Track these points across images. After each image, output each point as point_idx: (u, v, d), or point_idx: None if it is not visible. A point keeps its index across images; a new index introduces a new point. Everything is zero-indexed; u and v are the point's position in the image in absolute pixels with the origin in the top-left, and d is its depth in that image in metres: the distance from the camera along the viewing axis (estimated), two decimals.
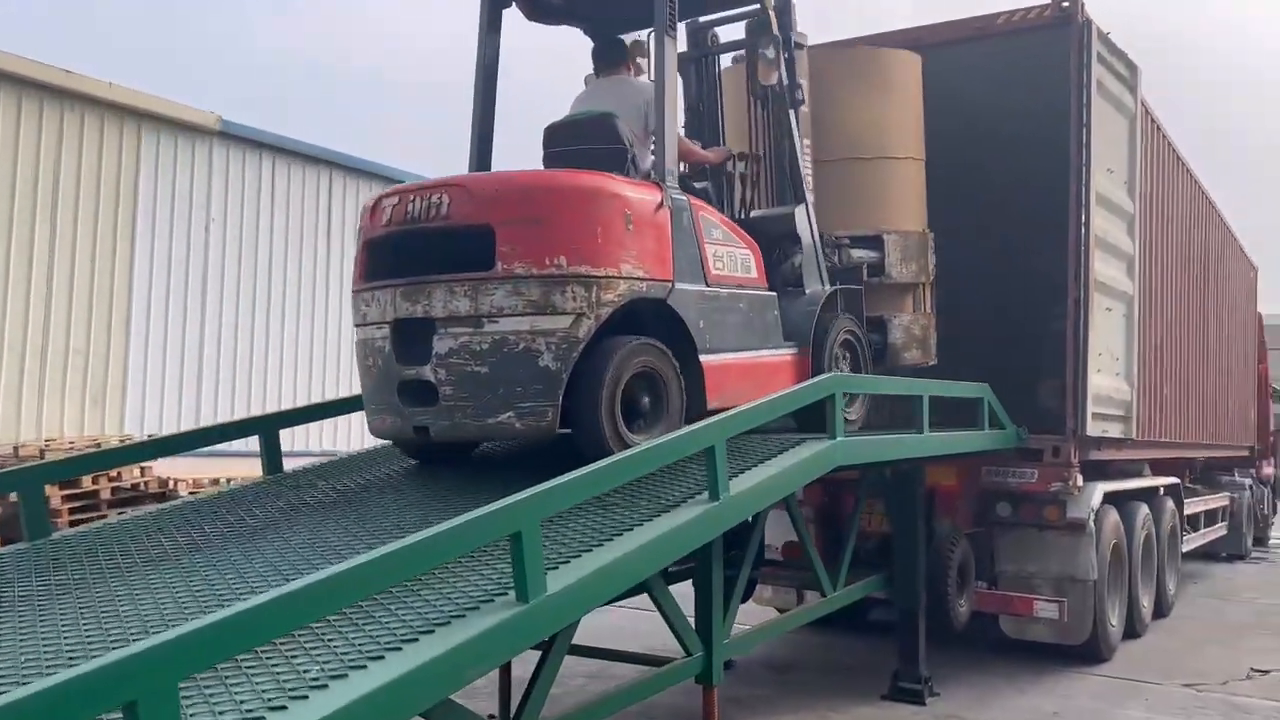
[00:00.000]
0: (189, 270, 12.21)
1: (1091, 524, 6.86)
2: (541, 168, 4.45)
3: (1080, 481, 6.65)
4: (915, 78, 6.25)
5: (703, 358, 4.24)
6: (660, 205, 4.14)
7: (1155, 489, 8.76)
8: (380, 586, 2.42)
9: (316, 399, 13.06)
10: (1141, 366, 7.56)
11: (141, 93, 11.67)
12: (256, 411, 12.05)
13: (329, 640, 2.49)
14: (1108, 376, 7.04)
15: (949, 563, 6.33)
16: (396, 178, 14.69)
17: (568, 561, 2.96)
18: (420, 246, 3.90)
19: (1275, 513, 17.26)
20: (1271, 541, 16.17)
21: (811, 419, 4.46)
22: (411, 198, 3.93)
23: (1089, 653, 7.07)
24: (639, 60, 5.14)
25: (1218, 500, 12.23)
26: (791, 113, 5.22)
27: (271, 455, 4.81)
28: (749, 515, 4.07)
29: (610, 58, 4.99)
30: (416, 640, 2.47)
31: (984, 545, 6.95)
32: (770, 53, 4.93)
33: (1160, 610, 8.77)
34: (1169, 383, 8.62)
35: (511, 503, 2.68)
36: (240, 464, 10.25)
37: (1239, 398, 12.99)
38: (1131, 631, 7.76)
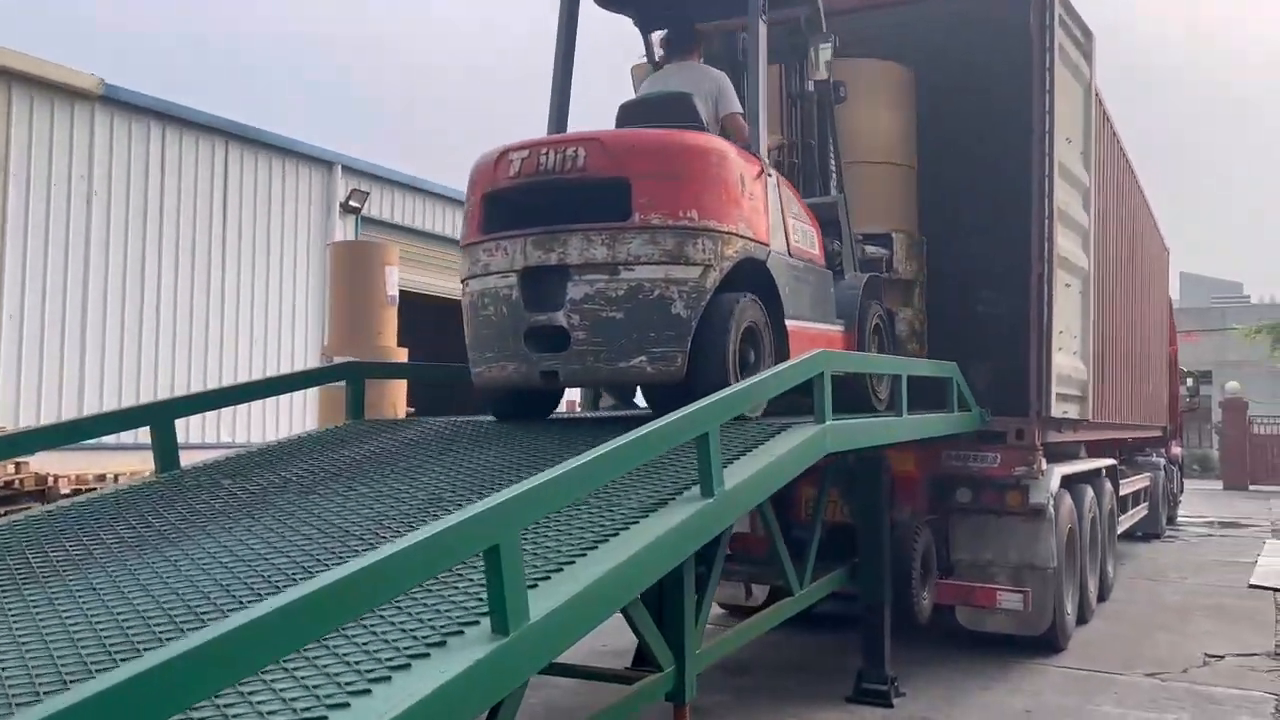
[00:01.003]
0: (69, 246, 11.17)
1: (1051, 509, 6.57)
2: None
3: (1044, 465, 6.34)
4: (912, 92, 6.51)
5: (787, 322, 4.45)
6: (762, 173, 4.41)
7: (1099, 471, 8.59)
8: (320, 630, 1.80)
9: (214, 385, 12.13)
10: (1096, 345, 7.31)
11: (9, 50, 10.57)
12: (147, 399, 11.11)
13: (251, 695, 1.90)
14: (1067, 355, 6.76)
15: (913, 553, 5.96)
16: (297, 150, 13.79)
17: (547, 578, 2.41)
18: (553, 198, 4.03)
19: (1182, 491, 17.60)
20: (1179, 519, 16.46)
21: (789, 401, 3.98)
22: (543, 151, 4.05)
23: (1047, 643, 6.80)
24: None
25: (1142, 481, 12.26)
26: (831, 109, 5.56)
27: (166, 449, 4.13)
28: (746, 512, 3.56)
29: (683, 44, 5.18)
30: (368, 692, 1.88)
31: (938, 533, 6.61)
32: (825, 50, 5.12)
33: (1102, 594, 8.63)
34: (1113, 361, 8.43)
35: (486, 509, 2.12)
36: (129, 458, 9.35)
37: (1157, 378, 13.06)
38: (1081, 617, 7.56)
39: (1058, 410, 6.47)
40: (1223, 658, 6.95)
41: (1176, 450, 16.71)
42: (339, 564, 2.25)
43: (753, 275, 4.25)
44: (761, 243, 4.30)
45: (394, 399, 10.16)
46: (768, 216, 4.39)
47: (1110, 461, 9.19)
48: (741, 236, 4.12)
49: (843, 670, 6.09)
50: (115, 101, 11.58)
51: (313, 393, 13.15)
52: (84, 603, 2.56)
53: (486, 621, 2.14)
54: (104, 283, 11.47)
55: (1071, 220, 6.79)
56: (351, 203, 14.41)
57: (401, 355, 10.95)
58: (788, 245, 4.59)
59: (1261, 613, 8.64)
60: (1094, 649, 7.06)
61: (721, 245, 4.00)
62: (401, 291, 15.88)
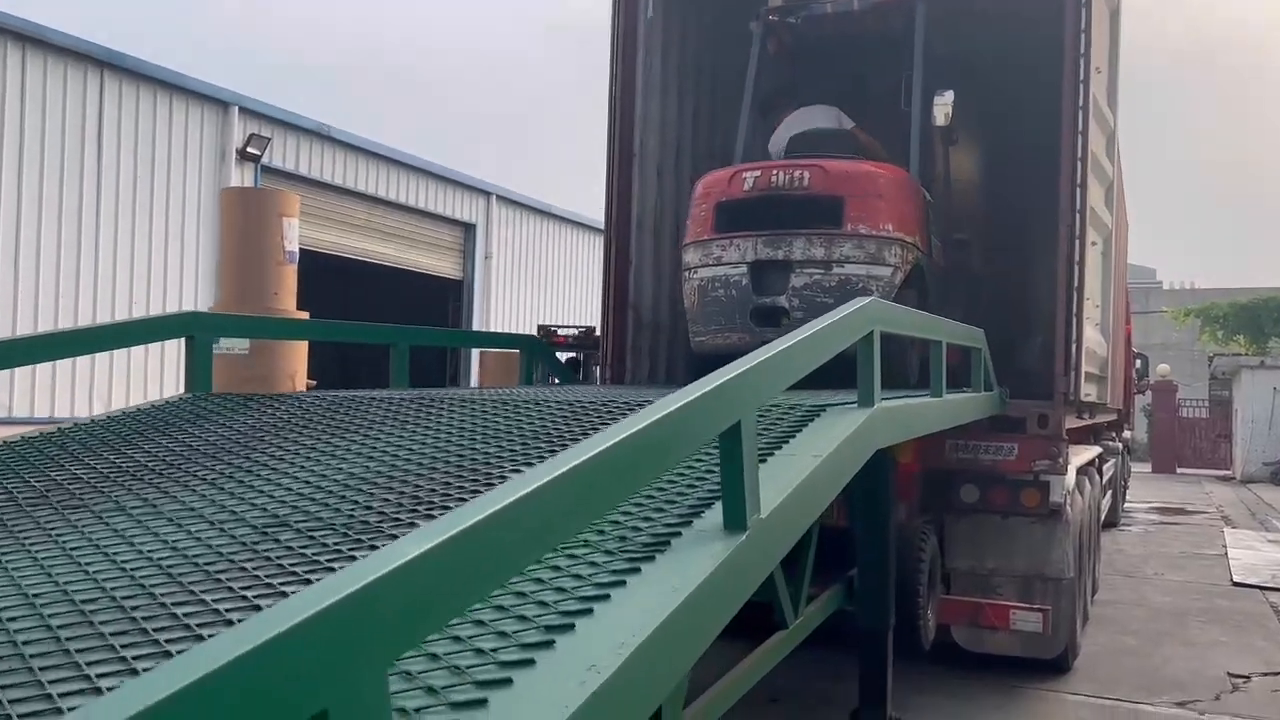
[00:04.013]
0: None
1: (1068, 509, 5.55)
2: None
3: (1069, 458, 5.31)
4: None
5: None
6: (923, 197, 5.44)
7: (1093, 460, 7.65)
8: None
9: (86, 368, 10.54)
10: (1114, 315, 6.32)
11: None
12: None
13: None
14: (1090, 328, 5.73)
15: (919, 564, 4.87)
16: (185, 86, 12.20)
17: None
18: (780, 207, 5.09)
19: (1130, 475, 17.08)
20: (1126, 504, 15.88)
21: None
22: (774, 172, 5.16)
23: (1057, 664, 5.81)
24: None
25: (1109, 468, 11.47)
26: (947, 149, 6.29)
27: None
28: (790, 547, 2.37)
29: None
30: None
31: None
32: (946, 100, 5.55)
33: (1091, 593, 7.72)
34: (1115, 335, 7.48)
35: (729, 379, 1.78)
36: None
37: (1122, 357, 12.31)
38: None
39: (1083, 393, 5.44)
40: (1249, 678, 6.05)
41: (1128, 434, 16.13)
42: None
43: (917, 276, 5.21)
44: (924, 252, 5.32)
45: (292, 368, 8.74)
46: (928, 232, 5.42)
47: (1099, 449, 8.28)
48: (914, 247, 5.16)
49: (830, 702, 5.01)
50: None
51: (174, 360, 11.65)
52: None
53: (704, 520, 1.82)
54: None
55: (1099, 167, 5.75)
56: (250, 149, 12.84)
57: (303, 318, 9.48)
58: (931, 253, 5.52)
59: (1262, 617, 7.84)
60: (1104, 668, 6.10)
61: (905, 252, 5.05)
62: (306, 250, 14.46)
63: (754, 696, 5.00)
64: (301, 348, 9.10)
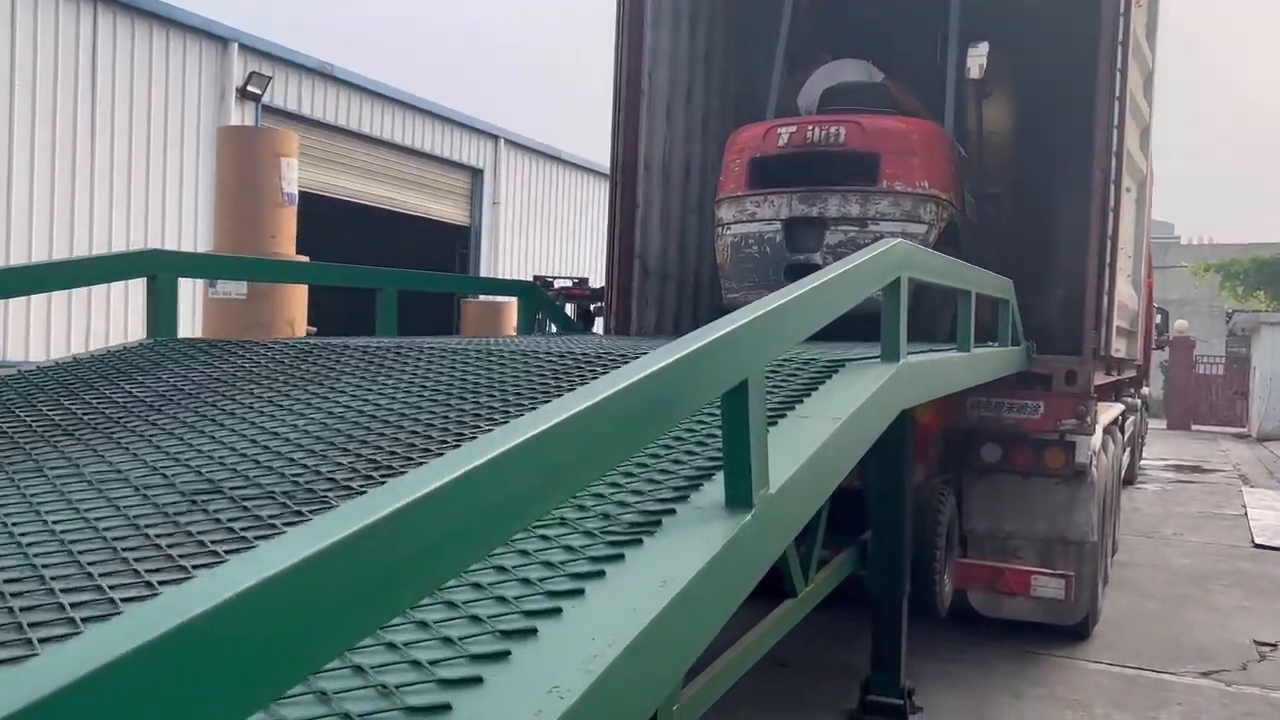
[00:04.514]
0: None
1: (1094, 470, 5.28)
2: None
3: (1097, 417, 5.02)
4: None
5: None
6: (958, 152, 5.39)
7: (1116, 418, 7.36)
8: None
9: (74, 313, 10.32)
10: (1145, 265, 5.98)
11: None
12: None
13: None
14: (1122, 279, 5.41)
15: (937, 527, 4.61)
16: (182, 21, 11.83)
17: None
18: (815, 164, 5.08)
19: (1147, 432, 16.79)
20: (1142, 461, 15.60)
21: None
22: (810, 128, 5.15)
23: (1077, 631, 5.57)
24: None
25: (1130, 424, 11.18)
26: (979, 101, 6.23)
27: None
28: (802, 526, 2.08)
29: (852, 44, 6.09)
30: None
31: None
32: (980, 52, 5.46)
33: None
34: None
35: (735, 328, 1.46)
36: None
37: (1144, 311, 11.95)
38: None
39: (1114, 348, 5.14)
40: (1276, 646, 5.81)
41: (1146, 390, 15.80)
42: None
43: (951, 234, 5.12)
44: (959, 209, 5.27)
45: (291, 314, 8.48)
46: (962, 188, 5.38)
47: (1122, 406, 7.99)
48: (949, 204, 5.10)
49: (844, 669, 4.80)
50: None
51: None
52: None
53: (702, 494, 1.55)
54: None
55: (1137, 108, 5.39)
56: (250, 88, 12.47)
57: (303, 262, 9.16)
58: (965, 209, 5.45)
59: None
60: (1126, 634, 5.87)
61: (940, 209, 5.02)
62: (309, 194, 14.13)
63: (761, 661, 4.78)
64: (301, 293, 8.80)
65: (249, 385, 2.52)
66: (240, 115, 12.49)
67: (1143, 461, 15.67)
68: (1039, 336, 5.38)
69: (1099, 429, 5.43)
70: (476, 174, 17.34)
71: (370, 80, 14.67)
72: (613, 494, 1.57)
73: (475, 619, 1.18)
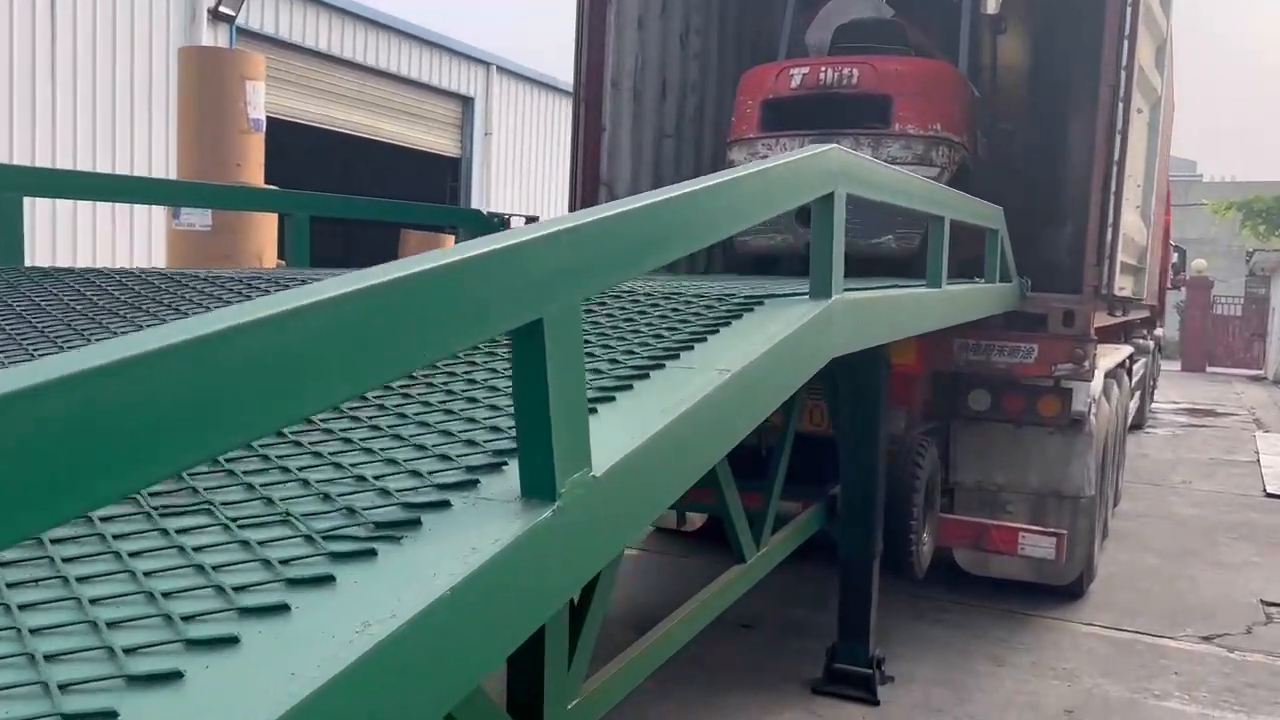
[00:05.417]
0: None
1: (1092, 419, 4.84)
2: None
3: (1096, 361, 4.57)
4: None
5: None
6: (971, 93, 5.40)
7: (1123, 362, 6.90)
8: None
9: (42, 241, 9.86)
10: (1155, 201, 5.48)
11: None
12: None
13: None
14: (1129, 211, 4.92)
15: (915, 482, 4.20)
16: None
17: None
18: (828, 106, 5.04)
19: (1159, 374, 16.30)
20: (1153, 404, 15.14)
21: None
22: (822, 70, 5.07)
23: (1070, 591, 5.19)
24: None
25: (1139, 368, 10.69)
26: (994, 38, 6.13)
27: None
28: (650, 520, 1.63)
29: None
30: None
31: (936, 446, 4.88)
32: None
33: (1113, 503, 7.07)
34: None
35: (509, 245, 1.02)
36: None
37: (1159, 249, 11.39)
38: None
39: (1118, 286, 4.67)
40: None
41: (1160, 331, 15.28)
42: None
43: (964, 176, 5.00)
44: (971, 152, 5.21)
45: (259, 246, 8.07)
46: (974, 129, 5.32)
47: (1130, 349, 7.53)
48: (965, 147, 5.06)
49: (806, 635, 4.44)
50: None
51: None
52: None
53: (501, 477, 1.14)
54: None
55: (1152, 18, 4.85)
56: (223, 9, 11.87)
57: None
58: (977, 150, 5.37)
59: None
60: (1123, 593, 5.49)
61: (952, 152, 4.96)
62: (289, 122, 13.58)
63: (725, 620, 4.39)
64: (269, 223, 8.31)
65: (33, 320, 2.09)
66: (214, 38, 11.92)
67: (1153, 405, 15.21)
68: (1047, 275, 4.95)
69: (1100, 374, 4.98)
70: (467, 102, 16.71)
71: (353, 2, 14.03)
72: (381, 478, 1.15)
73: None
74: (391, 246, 11.00)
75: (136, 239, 10.96)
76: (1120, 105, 4.34)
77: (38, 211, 9.90)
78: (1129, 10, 4.34)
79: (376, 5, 14.57)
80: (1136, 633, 4.89)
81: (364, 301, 0.86)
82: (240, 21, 12.23)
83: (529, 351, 1.01)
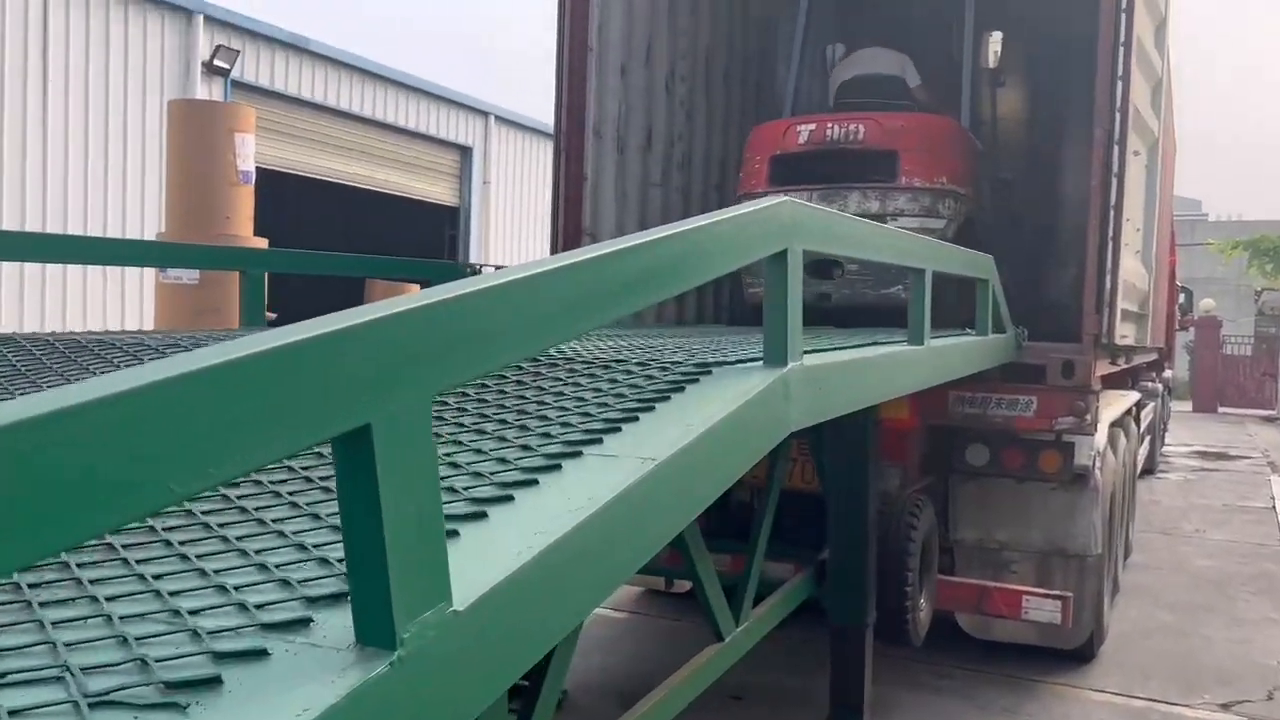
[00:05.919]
0: None
1: (1097, 474, 4.62)
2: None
3: (1099, 415, 4.36)
4: None
5: None
6: (975, 146, 5.52)
7: (1129, 409, 6.67)
8: None
9: (33, 299, 9.79)
10: (1157, 244, 5.31)
11: None
12: None
13: None
14: (1129, 256, 4.73)
15: (909, 545, 3.98)
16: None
17: None
18: (835, 161, 5.13)
19: (1170, 417, 15.99)
20: (1164, 448, 14.84)
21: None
22: (829, 125, 5.19)
23: (1080, 654, 4.93)
24: None
25: (1148, 414, 10.45)
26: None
27: None
28: (540, 655, 1.43)
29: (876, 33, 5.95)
30: None
31: (935, 504, 4.66)
32: (995, 42, 5.77)
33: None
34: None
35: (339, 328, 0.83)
36: None
37: (1164, 290, 11.19)
38: None
39: (1119, 334, 4.47)
40: None
41: (1168, 373, 15.02)
42: None
43: (969, 228, 5.13)
44: (978, 204, 5.31)
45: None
46: (979, 181, 5.39)
47: (1137, 395, 7.30)
48: (970, 199, 5.14)
49: (806, 701, 4.20)
50: None
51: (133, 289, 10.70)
52: None
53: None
54: None
55: (1146, 59, 4.70)
56: (218, 62, 11.87)
57: (260, 246, 8.54)
58: (981, 202, 5.46)
59: None
60: (1135, 654, 5.22)
61: (958, 204, 5.03)
62: (287, 174, 13.53)
63: (711, 690, 4.14)
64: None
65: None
66: (208, 91, 11.91)
67: (1164, 449, 14.91)
68: (1047, 320, 4.79)
69: (1104, 425, 4.77)
70: (465, 152, 16.68)
71: (349, 54, 14.04)
72: (195, 615, 0.95)
73: None
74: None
75: (128, 293, 10.85)
76: (1115, 148, 4.18)
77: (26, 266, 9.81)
78: (1122, 52, 4.19)
79: (386, 60, 14.58)
80: (1150, 700, 4.62)
81: (118, 409, 0.67)
82: (237, 75, 12.23)
83: (352, 465, 0.82)
